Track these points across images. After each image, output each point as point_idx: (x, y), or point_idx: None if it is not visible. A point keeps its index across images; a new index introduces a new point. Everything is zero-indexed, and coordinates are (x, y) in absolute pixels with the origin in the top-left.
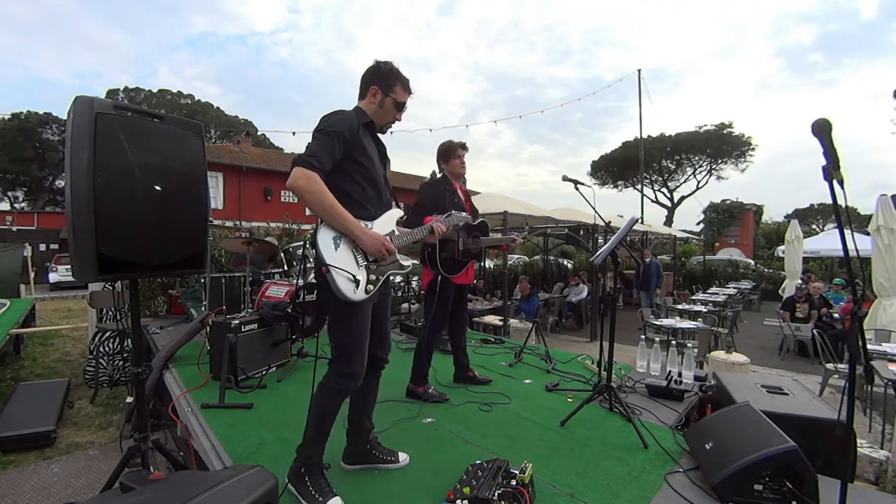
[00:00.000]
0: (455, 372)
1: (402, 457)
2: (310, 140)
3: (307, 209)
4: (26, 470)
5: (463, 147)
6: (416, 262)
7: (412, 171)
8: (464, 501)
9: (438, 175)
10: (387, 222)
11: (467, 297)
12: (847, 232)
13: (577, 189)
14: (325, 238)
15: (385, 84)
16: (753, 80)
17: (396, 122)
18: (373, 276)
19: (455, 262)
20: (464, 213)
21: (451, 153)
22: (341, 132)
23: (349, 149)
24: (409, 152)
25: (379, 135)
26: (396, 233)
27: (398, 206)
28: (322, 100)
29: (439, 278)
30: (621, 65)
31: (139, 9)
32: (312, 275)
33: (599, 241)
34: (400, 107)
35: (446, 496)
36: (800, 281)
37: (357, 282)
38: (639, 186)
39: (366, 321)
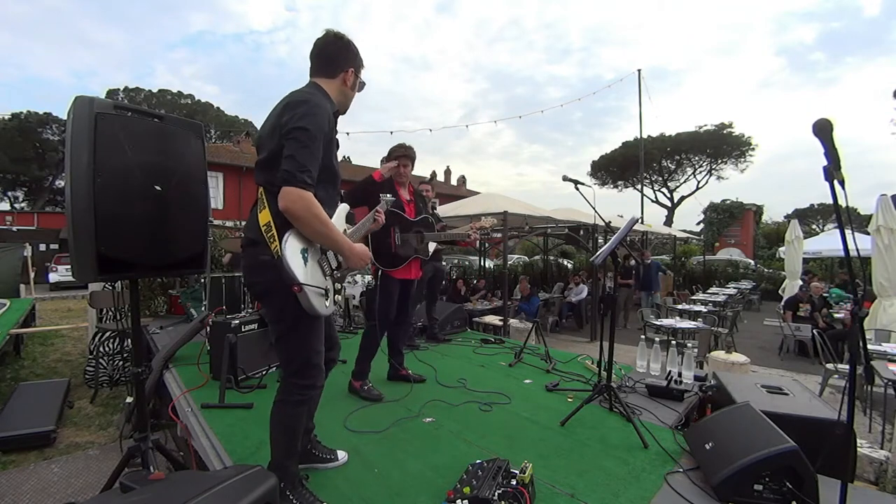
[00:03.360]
0: (388, 370)
1: (341, 454)
2: (292, 141)
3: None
4: (26, 470)
5: (406, 156)
6: None
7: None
8: (464, 501)
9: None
10: (338, 222)
11: (412, 295)
12: (848, 232)
13: (577, 189)
14: (293, 252)
15: (358, 65)
16: (754, 79)
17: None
18: (337, 285)
19: (394, 257)
20: (389, 196)
21: (389, 155)
22: (324, 133)
23: (324, 150)
24: None
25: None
26: (348, 231)
27: (342, 201)
28: None
29: (380, 271)
30: (621, 63)
31: (136, 7)
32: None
33: (599, 241)
34: (362, 88)
35: (446, 496)
36: (800, 281)
37: (327, 294)
38: (639, 186)
39: (322, 328)
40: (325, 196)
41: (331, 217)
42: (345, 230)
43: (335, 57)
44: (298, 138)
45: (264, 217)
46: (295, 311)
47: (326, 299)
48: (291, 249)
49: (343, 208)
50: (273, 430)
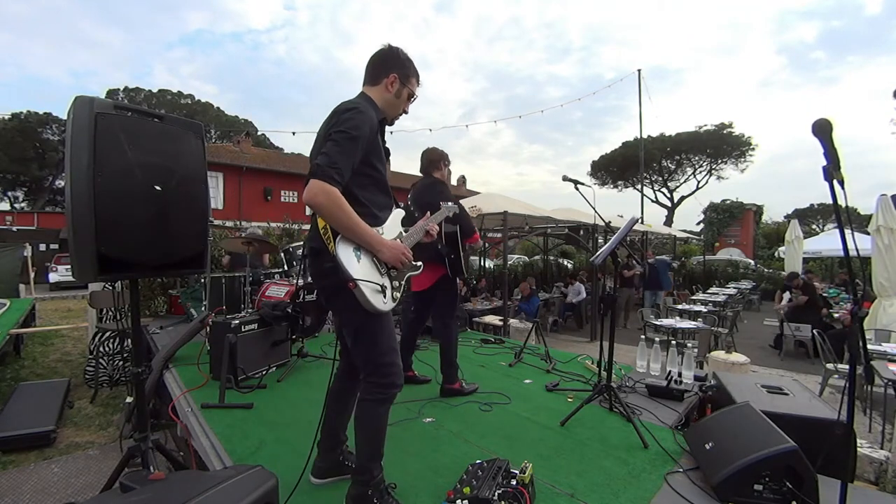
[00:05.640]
0: None
1: None
2: (329, 142)
3: (307, 210)
4: (26, 470)
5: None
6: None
7: (411, 171)
8: (464, 501)
9: (430, 178)
10: (394, 225)
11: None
12: (847, 232)
13: (577, 189)
14: (345, 251)
15: (405, 72)
16: (755, 79)
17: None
18: (395, 283)
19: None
20: (450, 204)
21: (446, 163)
22: (365, 137)
23: (367, 152)
24: (407, 151)
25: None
26: (404, 234)
27: (398, 206)
28: (320, 99)
29: (444, 277)
30: (622, 62)
31: (133, 6)
32: (315, 290)
33: (599, 241)
34: (412, 99)
35: (446, 496)
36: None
37: (384, 291)
38: (639, 186)
39: (391, 324)
40: (367, 198)
41: (384, 221)
42: (400, 233)
43: (379, 63)
44: (335, 139)
45: (321, 222)
46: (360, 311)
47: (384, 296)
48: (344, 247)
49: (398, 213)
50: (357, 430)
